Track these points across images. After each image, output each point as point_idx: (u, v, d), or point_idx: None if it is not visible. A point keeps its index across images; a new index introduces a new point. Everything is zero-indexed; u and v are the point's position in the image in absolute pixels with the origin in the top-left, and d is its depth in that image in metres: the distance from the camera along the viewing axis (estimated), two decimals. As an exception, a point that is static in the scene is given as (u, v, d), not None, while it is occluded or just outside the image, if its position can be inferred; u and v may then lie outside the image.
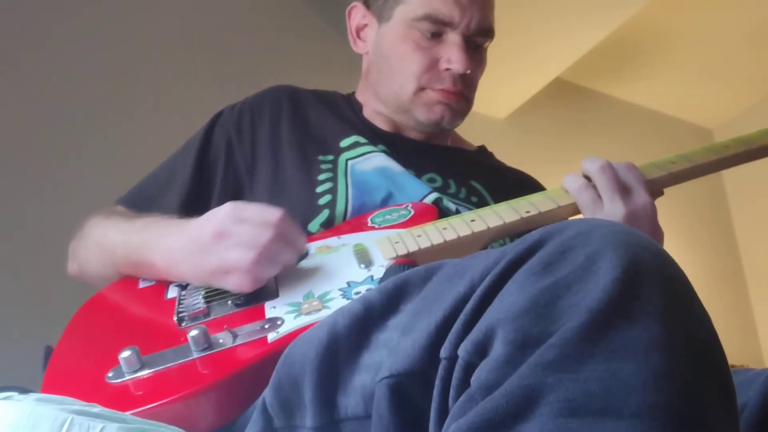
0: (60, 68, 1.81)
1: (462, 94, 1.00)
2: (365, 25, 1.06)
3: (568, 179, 0.85)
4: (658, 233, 0.82)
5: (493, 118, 2.90)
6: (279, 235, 0.72)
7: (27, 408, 0.46)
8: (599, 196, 0.81)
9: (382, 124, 1.06)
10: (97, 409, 0.50)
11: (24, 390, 0.52)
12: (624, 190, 0.81)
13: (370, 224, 0.87)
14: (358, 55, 1.11)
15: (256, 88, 1.10)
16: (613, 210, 0.80)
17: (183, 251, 0.76)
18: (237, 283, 0.72)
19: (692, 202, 3.33)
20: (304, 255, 0.77)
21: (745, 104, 3.50)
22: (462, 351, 0.43)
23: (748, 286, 3.56)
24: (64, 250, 0.97)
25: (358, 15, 1.07)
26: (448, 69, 0.97)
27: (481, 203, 0.98)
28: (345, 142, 1.00)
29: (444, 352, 0.45)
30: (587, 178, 0.84)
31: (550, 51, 2.55)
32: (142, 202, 0.96)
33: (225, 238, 0.72)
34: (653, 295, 0.40)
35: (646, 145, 3.33)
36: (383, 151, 0.98)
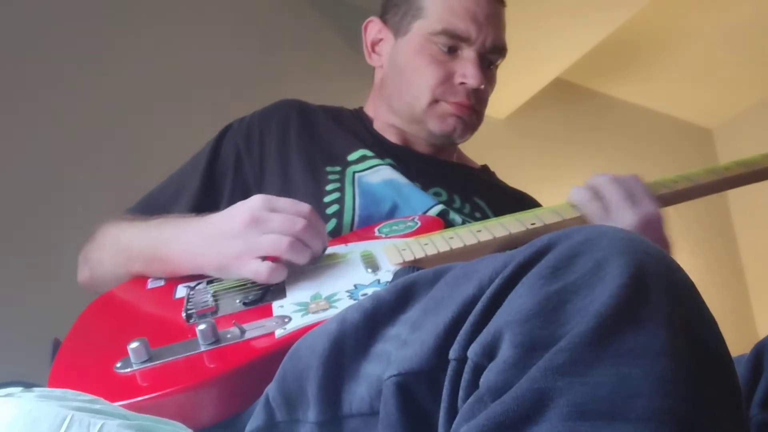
0: (68, 73, 1.82)
1: (474, 108, 1.02)
2: (381, 40, 1.09)
3: (575, 192, 0.87)
4: (666, 242, 0.85)
5: (493, 118, 2.91)
6: (311, 225, 0.76)
7: (27, 405, 0.46)
8: (606, 207, 0.84)
9: (392, 137, 1.08)
10: (98, 405, 0.50)
11: (28, 385, 0.52)
12: (632, 200, 0.83)
13: (377, 234, 0.89)
14: (366, 68, 1.13)
15: (264, 102, 1.11)
16: (623, 218, 0.82)
17: (205, 240, 0.78)
18: (256, 269, 0.74)
19: (693, 203, 3.33)
20: (325, 248, 0.80)
21: (745, 104, 3.50)
22: (471, 353, 0.43)
23: (748, 286, 3.57)
24: (73, 249, 0.98)
25: (374, 30, 1.10)
26: (462, 83, 1.00)
27: (484, 219, 0.99)
28: (352, 156, 1.02)
29: (453, 353, 0.45)
30: (594, 191, 0.86)
31: (550, 51, 2.55)
32: (150, 212, 0.97)
33: (259, 225, 0.75)
34: (660, 301, 0.40)
35: (646, 144, 3.34)
36: (390, 164, 1.00)
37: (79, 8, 1.88)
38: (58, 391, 0.51)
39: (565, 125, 3.14)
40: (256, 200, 0.77)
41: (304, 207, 0.77)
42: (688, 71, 3.19)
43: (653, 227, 0.82)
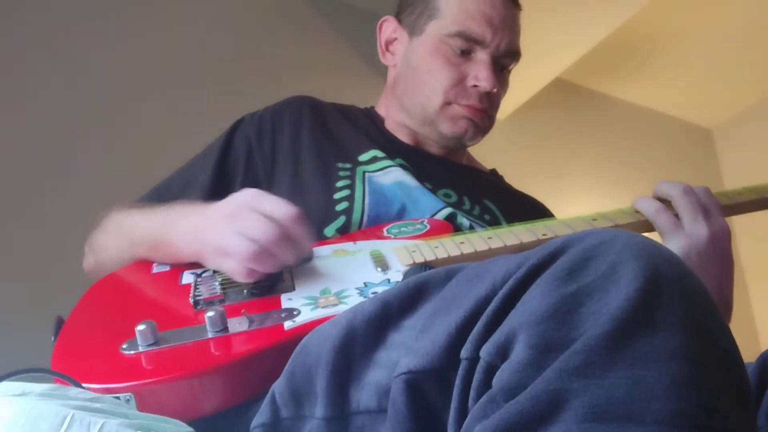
0: (71, 70, 1.82)
1: (486, 111, 1.02)
2: (395, 39, 1.08)
3: (643, 203, 0.85)
4: (731, 258, 0.83)
5: (494, 118, 2.91)
6: (284, 236, 0.73)
7: (28, 404, 0.46)
8: (677, 218, 0.82)
9: (403, 137, 1.08)
10: (99, 404, 0.50)
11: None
12: (705, 213, 0.82)
13: (386, 234, 0.89)
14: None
15: (272, 99, 1.11)
16: (696, 231, 0.80)
17: (197, 227, 0.78)
18: (233, 269, 0.73)
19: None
20: (308, 259, 0.79)
21: (745, 104, 3.50)
22: (484, 352, 0.44)
23: (748, 286, 3.57)
24: (77, 233, 0.98)
25: (389, 29, 1.09)
26: (475, 86, 0.99)
27: (494, 221, 1.01)
28: (363, 157, 1.02)
29: (465, 352, 0.45)
30: (662, 201, 0.85)
31: (549, 51, 2.54)
32: (160, 203, 0.96)
33: (233, 222, 0.73)
34: (675, 305, 0.40)
35: (646, 144, 3.34)
36: (401, 165, 1.00)
37: (79, 6, 1.89)
38: (59, 390, 0.51)
39: (565, 125, 3.14)
40: (243, 195, 0.76)
41: (287, 213, 0.74)
42: (688, 71, 3.19)
43: (723, 242, 0.81)
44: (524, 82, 2.72)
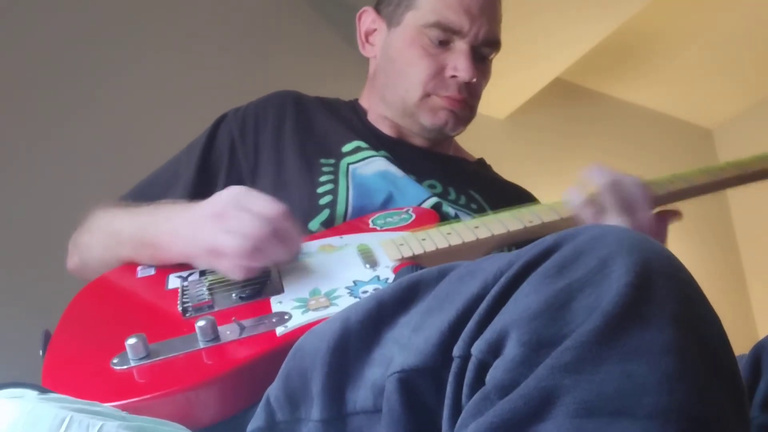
0: (60, 64, 1.82)
1: (466, 101, 1.01)
2: (374, 30, 1.08)
3: (570, 195, 0.86)
4: None
5: (493, 118, 2.91)
6: (274, 231, 0.73)
7: (27, 406, 0.47)
8: (600, 212, 0.83)
9: (386, 129, 1.08)
10: (97, 407, 0.50)
11: (39, 389, 0.52)
12: (628, 209, 0.82)
13: (371, 226, 0.88)
14: (360, 64, 1.12)
15: (259, 93, 1.11)
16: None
17: (185, 227, 0.77)
18: (229, 269, 0.73)
19: (693, 202, 3.32)
20: (298, 255, 0.78)
21: (745, 104, 3.51)
22: (475, 350, 0.44)
23: (748, 286, 3.57)
24: (62, 239, 0.98)
25: (368, 19, 1.09)
26: (453, 76, 0.99)
27: (479, 211, 1.00)
28: (347, 147, 1.01)
29: (457, 350, 0.45)
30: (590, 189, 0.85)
31: (550, 51, 2.55)
32: (144, 199, 0.95)
33: (221, 221, 0.73)
34: (666, 299, 0.40)
35: (646, 144, 3.34)
36: (385, 156, 0.99)
37: (79, 6, 1.89)
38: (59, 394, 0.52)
39: (565, 125, 3.14)
40: (229, 193, 0.75)
41: (274, 209, 0.73)
42: (688, 71, 3.19)
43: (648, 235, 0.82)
44: (524, 82, 2.72)
